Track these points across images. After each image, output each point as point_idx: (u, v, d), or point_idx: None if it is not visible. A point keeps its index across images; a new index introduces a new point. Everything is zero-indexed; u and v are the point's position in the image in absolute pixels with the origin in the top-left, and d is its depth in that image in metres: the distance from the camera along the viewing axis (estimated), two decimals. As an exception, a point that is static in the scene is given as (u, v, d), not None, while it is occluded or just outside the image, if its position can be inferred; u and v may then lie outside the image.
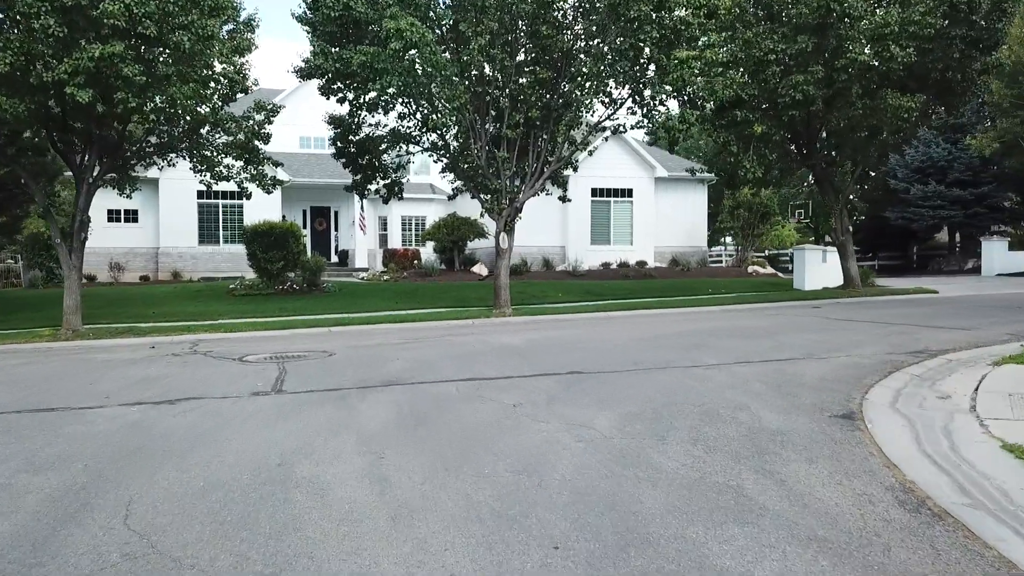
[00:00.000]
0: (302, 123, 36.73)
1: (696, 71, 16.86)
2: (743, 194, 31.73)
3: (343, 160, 23.31)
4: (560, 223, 32.32)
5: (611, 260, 32.02)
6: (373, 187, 23.96)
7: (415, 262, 32.87)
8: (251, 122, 21.43)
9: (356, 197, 35.48)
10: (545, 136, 19.99)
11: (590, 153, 20.86)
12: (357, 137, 22.80)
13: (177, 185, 32.46)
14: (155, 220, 33.35)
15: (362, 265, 35.34)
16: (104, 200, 33.38)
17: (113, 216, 33.51)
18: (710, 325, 15.79)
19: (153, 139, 20.53)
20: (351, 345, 14.39)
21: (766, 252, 45.60)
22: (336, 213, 37.61)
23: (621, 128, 19.74)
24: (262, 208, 33.42)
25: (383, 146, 22.71)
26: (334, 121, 22.64)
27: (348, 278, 32.99)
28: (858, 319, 16.20)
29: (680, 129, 18.02)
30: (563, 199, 23.24)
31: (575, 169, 23.15)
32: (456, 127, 20.56)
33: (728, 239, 40.29)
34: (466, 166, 20.99)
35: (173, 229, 33.07)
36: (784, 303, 21.13)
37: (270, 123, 22.03)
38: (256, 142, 21.77)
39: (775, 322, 16.05)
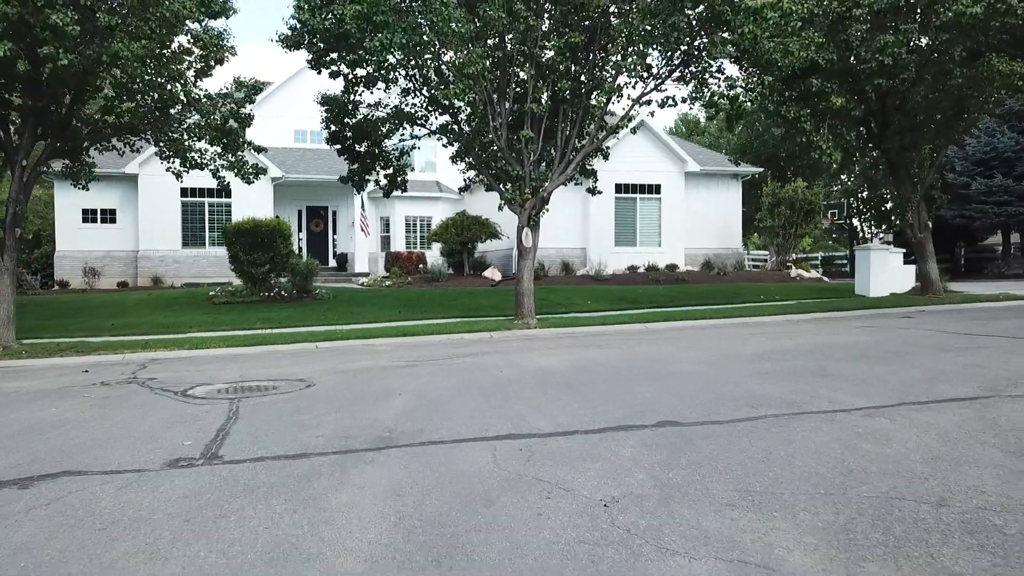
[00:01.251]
0: (297, 116, 33.33)
1: (769, 25, 13.40)
2: (785, 190, 28.24)
3: (337, 147, 19.86)
4: (580, 223, 28.85)
5: (638, 263, 28.53)
6: (372, 179, 20.52)
7: (420, 266, 29.42)
8: (229, 101, 18.00)
9: (356, 196, 32.09)
10: (579, 110, 16.54)
11: (618, 129, 17.33)
12: (354, 120, 19.38)
13: (158, 182, 29.01)
14: (134, 221, 29.92)
15: (362, 269, 31.91)
16: (78, 198, 30.00)
17: (88, 216, 30.10)
18: (799, 342, 12.28)
19: (111, 118, 17.08)
20: (339, 369, 10.90)
21: (793, 255, 42.12)
22: (334, 213, 34.21)
23: (670, 101, 16.27)
24: (252, 207, 29.98)
25: (384, 129, 19.27)
26: (327, 102, 19.18)
27: (347, 283, 29.52)
28: (979, 332, 12.68)
29: (744, 103, 14.56)
30: (592, 191, 19.78)
31: (605, 157, 19.69)
32: (470, 102, 17.13)
33: (756, 240, 36.84)
34: (482, 152, 17.53)
35: (154, 230, 29.64)
36: (860, 312, 17.60)
37: (251, 102, 18.59)
38: (235, 124, 18.33)
39: (881, 337, 12.52)
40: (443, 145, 19.22)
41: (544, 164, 17.58)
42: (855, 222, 40.13)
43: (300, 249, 33.64)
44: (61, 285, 29.00)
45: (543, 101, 15.76)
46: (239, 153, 18.45)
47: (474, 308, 19.87)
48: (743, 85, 14.33)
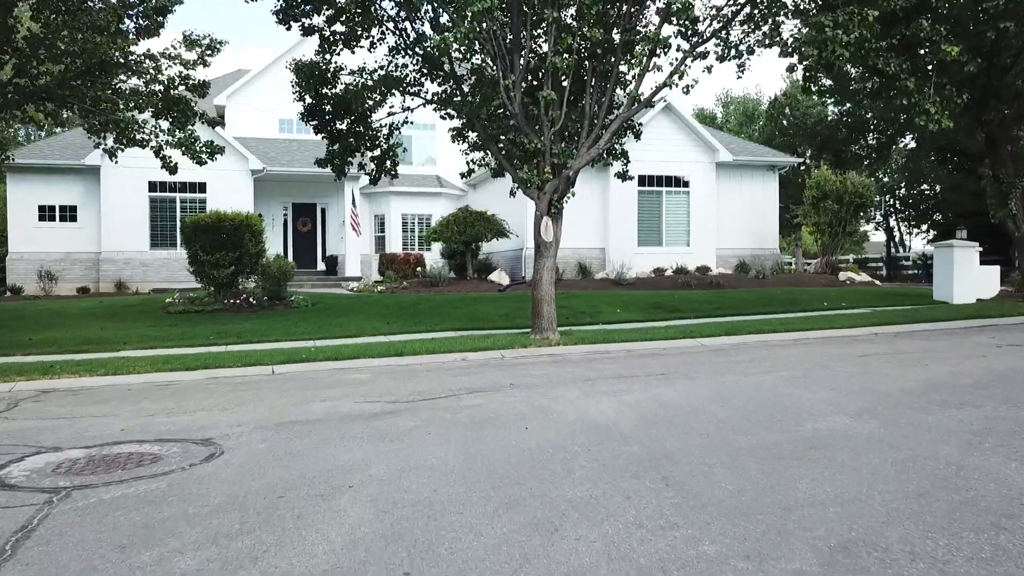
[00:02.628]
0: (281, 104, 29.40)
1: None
2: (832, 181, 24.41)
3: (314, 123, 16.06)
4: (599, 219, 25.04)
5: (664, 265, 24.71)
6: (356, 162, 16.74)
7: (418, 269, 25.62)
8: (176, 63, 14.25)
9: (347, 191, 28.34)
10: (613, 67, 12.76)
11: (652, 102, 13.56)
12: (333, 90, 15.62)
13: (124, 175, 25.31)
14: (97, 219, 26.13)
15: (353, 273, 28.14)
16: (35, 193, 26.25)
17: (46, 214, 26.31)
18: (949, 369, 8.46)
19: (23, 81, 13.33)
20: (279, 419, 7.08)
21: (844, 256, 38.30)
22: (324, 211, 30.43)
23: (732, 53, 12.44)
24: (230, 204, 26.08)
25: (370, 101, 15.50)
26: (300, 71, 15.36)
27: (335, 288, 25.72)
28: None
29: (838, 51, 10.78)
30: (622, 176, 15.92)
31: (637, 136, 15.91)
32: (474, 62, 13.37)
33: (789, 239, 33.00)
34: (489, 123, 13.73)
35: (118, 230, 25.84)
36: (965, 323, 13.79)
37: (205, 64, 14.83)
38: (183, 92, 14.58)
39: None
40: (441, 117, 15.39)
41: (565, 139, 13.79)
42: (891, 221, 36.32)
43: (286, 250, 29.85)
44: (13, 291, 25.19)
45: (568, 54, 11.96)
46: (189, 128, 14.70)
47: (480, 318, 16.06)
48: (833, 23, 10.49)
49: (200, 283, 18.44)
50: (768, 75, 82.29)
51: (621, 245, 24.78)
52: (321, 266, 29.92)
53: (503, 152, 14.09)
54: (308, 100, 15.79)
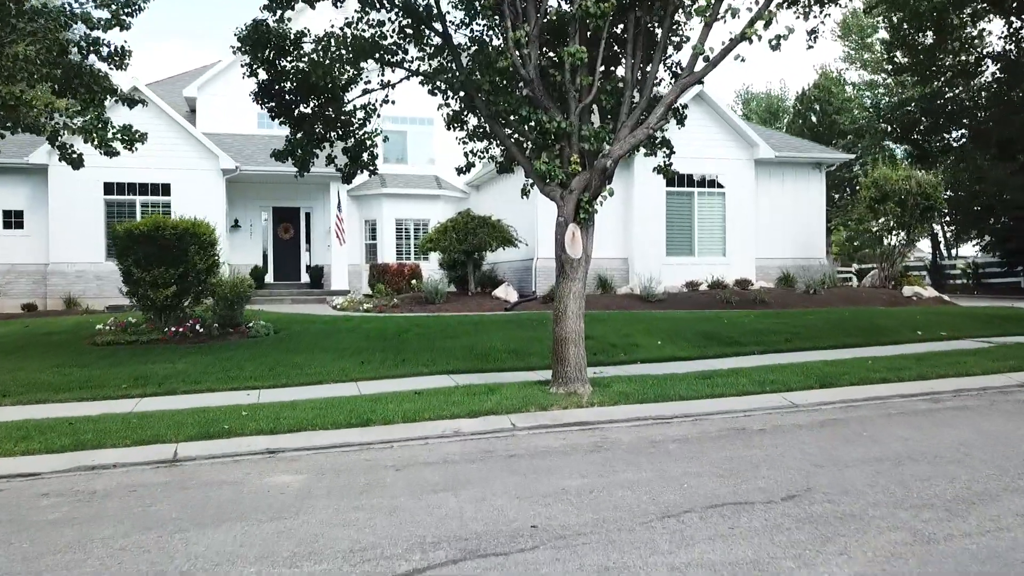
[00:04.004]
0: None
1: None
2: (895, 180, 20.54)
3: (270, 105, 12.30)
4: (620, 225, 21.23)
5: (697, 278, 20.90)
6: (325, 154, 12.97)
7: (413, 281, 21.84)
8: (78, 20, 10.54)
9: (332, 193, 24.57)
10: (669, 13, 8.98)
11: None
12: (293, 63, 11.88)
13: (75, 176, 21.22)
14: (45, 225, 22.38)
15: (340, 286, 24.38)
16: (-26, 197, 22.58)
17: (-12, 220, 22.62)
18: None
19: None
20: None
21: (854, 266, 34.41)
22: (308, 216, 26.67)
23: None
24: (199, 208, 22.32)
25: (342, 78, 11.78)
26: (248, 39, 11.57)
27: (318, 305, 21.98)
28: None
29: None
30: (664, 171, 12.00)
31: (680, 120, 12.05)
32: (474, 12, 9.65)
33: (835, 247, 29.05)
34: (495, 96, 9.91)
35: (68, 238, 22.08)
36: None
37: (123, 26, 11.11)
38: (92, 60, 10.85)
39: None
40: (429, 92, 11.57)
41: (596, 117, 10.01)
42: (934, 226, 32.44)
43: (265, 260, 26.08)
44: (-52, 309, 21.46)
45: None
46: (97, 108, 10.95)
47: (482, 354, 12.23)
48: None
49: (135, 304, 14.67)
50: (795, 69, 78.38)
51: (647, 255, 20.96)
52: (305, 278, 26.16)
53: (513, 137, 10.30)
54: (262, 76, 12.08)
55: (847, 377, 9.82)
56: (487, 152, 12.75)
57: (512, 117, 9.82)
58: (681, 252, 21.55)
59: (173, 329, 13.89)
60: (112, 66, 11.51)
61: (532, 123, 9.11)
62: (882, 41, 28.40)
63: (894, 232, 20.84)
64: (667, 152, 11.90)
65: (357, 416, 8.25)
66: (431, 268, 24.43)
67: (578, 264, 9.25)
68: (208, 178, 22.70)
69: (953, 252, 36.49)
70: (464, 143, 12.50)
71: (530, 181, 10.48)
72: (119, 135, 11.36)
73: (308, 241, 26.53)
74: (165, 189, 22.55)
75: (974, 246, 31.42)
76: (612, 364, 11.59)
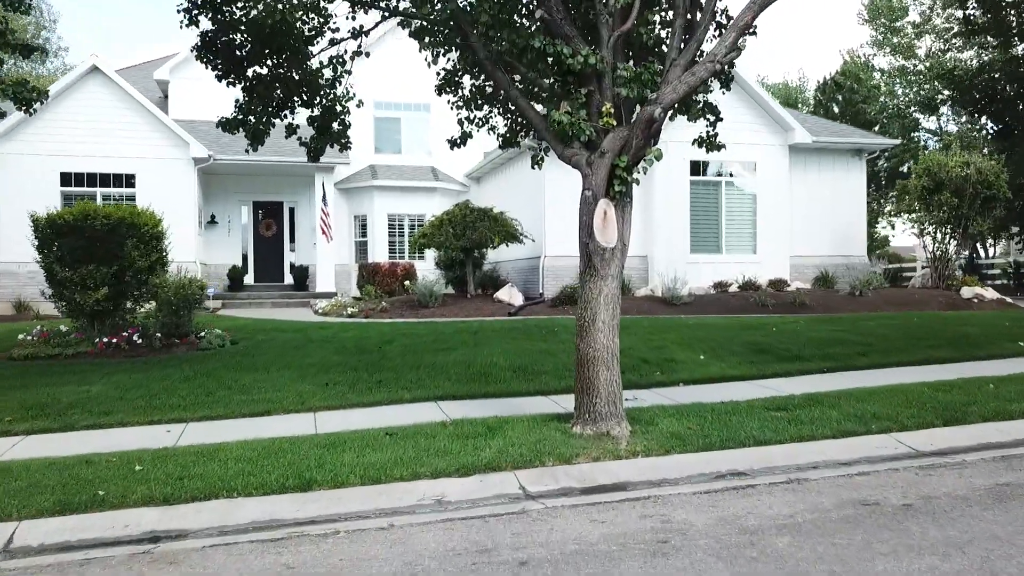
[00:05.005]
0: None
1: None
2: (951, 167, 17.85)
3: (217, 65, 9.66)
4: (639, 218, 18.43)
5: (727, 277, 18.24)
6: (287, 121, 10.31)
7: (406, 283, 19.18)
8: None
9: (317, 185, 21.93)
10: None
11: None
12: (243, 9, 9.30)
13: (26, 164, 19.10)
14: (-5, 220, 19.80)
15: (326, 288, 21.75)
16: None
17: (-66, 214, 19.99)
18: None
19: None
20: None
21: (880, 265, 31.65)
22: (292, 211, 24.03)
23: None
24: (168, 200, 19.78)
25: (304, 28, 9.24)
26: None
27: (301, 308, 19.36)
28: None
29: None
30: (710, 143, 9.33)
31: (726, 83, 9.34)
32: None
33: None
34: (497, 30, 7.24)
35: (18, 235, 19.35)
36: None
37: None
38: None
39: None
40: (411, 34, 8.93)
41: (634, 57, 7.35)
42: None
43: (245, 259, 23.43)
44: None
45: None
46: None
47: (480, 371, 9.55)
48: None
49: (62, 309, 12.03)
50: (814, 59, 75.34)
51: (670, 252, 18.29)
52: (289, 279, 23.49)
53: (521, 84, 7.66)
54: (205, 26, 9.48)
55: (975, 408, 7.15)
56: (487, 121, 10.13)
57: (522, 58, 7.14)
58: (707, 249, 18.87)
59: (105, 340, 11.24)
60: (8, 6, 8.89)
61: (549, 59, 6.46)
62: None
63: (948, 225, 18.12)
64: (711, 120, 9.29)
65: (296, 474, 5.62)
66: (427, 268, 21.79)
67: (611, 256, 6.59)
68: (177, 168, 20.07)
69: (990, 251, 33.70)
70: (458, 109, 9.88)
71: (542, 146, 7.87)
72: (22, 93, 8.71)
73: (292, 239, 23.86)
74: (129, 180, 19.92)
75: (1017, 245, 28.60)
76: (648, 386, 8.94)
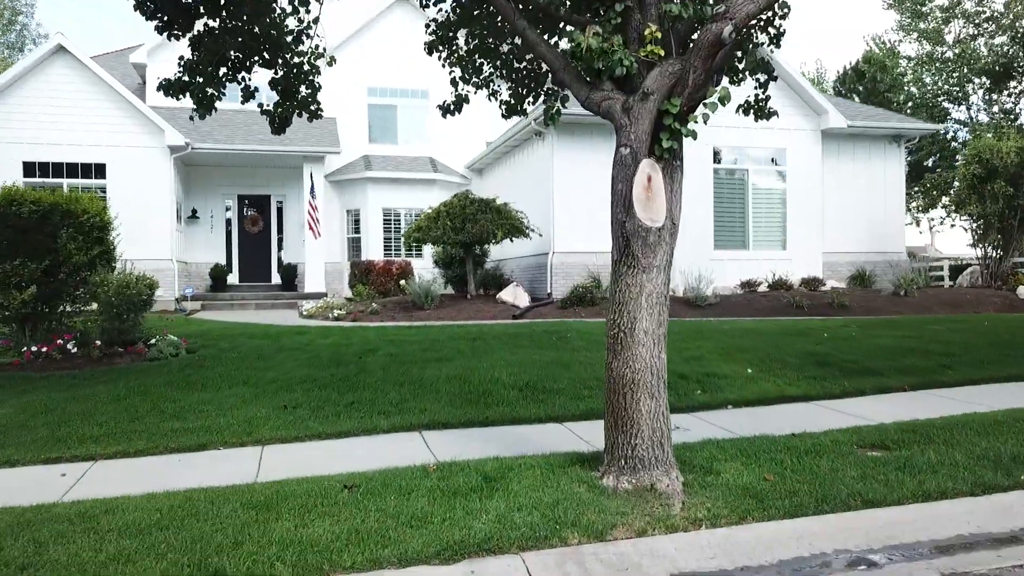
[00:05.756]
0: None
1: None
2: (1004, 152, 15.91)
3: (159, 17, 7.78)
4: (657, 211, 16.62)
5: (755, 276, 16.34)
6: (244, 84, 8.41)
7: (402, 282, 17.27)
8: None
9: (305, 176, 20.05)
10: None
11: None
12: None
13: None
14: (-46, 214, 17.91)
15: (316, 288, 19.88)
16: None
17: None
18: None
19: None
20: None
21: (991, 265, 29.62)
22: (280, 205, 22.17)
23: None
24: (142, 193, 18.06)
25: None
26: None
27: (285, 312, 17.51)
28: None
29: None
30: (759, 110, 7.45)
31: (776, 39, 7.43)
32: None
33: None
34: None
35: (-21, 229, 17.59)
36: None
37: None
38: None
39: None
40: None
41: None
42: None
43: (229, 257, 21.55)
44: None
45: None
46: None
47: (478, 390, 7.62)
48: None
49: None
50: (833, 48, 73.20)
51: (692, 249, 16.35)
52: (277, 279, 21.61)
53: (529, 7, 5.80)
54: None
55: None
56: (487, 84, 8.30)
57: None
58: (732, 245, 16.95)
59: (34, 349, 9.36)
60: None
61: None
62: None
63: (1001, 219, 16.14)
64: (761, 79, 7.37)
65: (198, 563, 3.73)
66: (425, 266, 19.93)
67: (657, 240, 4.70)
68: (151, 157, 18.19)
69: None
70: (452, 67, 8.03)
71: (559, 97, 6.01)
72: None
73: (281, 235, 21.98)
74: (99, 170, 18.05)
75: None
76: (689, 409, 7.03)
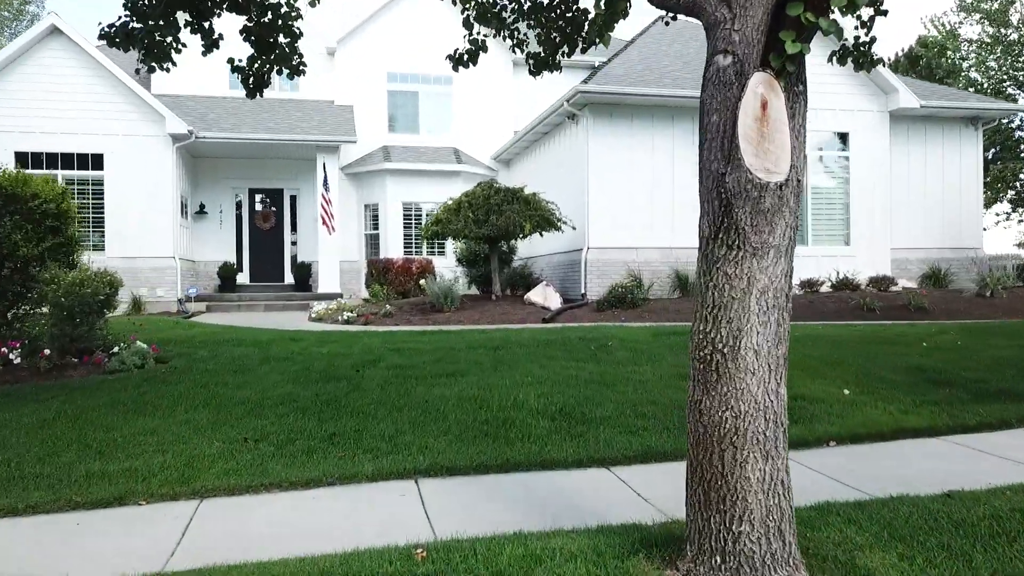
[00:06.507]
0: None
1: None
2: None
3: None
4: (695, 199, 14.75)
5: (814, 275, 14.41)
6: (211, 36, 6.72)
7: (422, 282, 15.56)
8: None
9: (318, 167, 18.45)
10: None
11: None
12: None
13: None
14: (-57, 209, 16.54)
15: (331, 288, 18.27)
16: None
17: None
18: None
19: None
20: None
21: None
22: (293, 200, 20.59)
23: None
24: (142, 185, 16.56)
25: None
26: None
27: (295, 314, 15.89)
28: None
29: None
30: (859, 55, 5.69)
31: None
32: None
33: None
34: None
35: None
36: None
37: None
38: None
39: None
40: None
41: None
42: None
43: (239, 256, 20.02)
44: None
45: None
46: None
47: (498, 420, 5.85)
48: None
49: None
50: (885, 31, 69.99)
51: (743, 243, 14.46)
52: (290, 278, 20.03)
53: None
54: None
55: None
56: (508, 28, 6.60)
57: None
58: (789, 239, 15.00)
59: (-29, 359, 7.78)
60: None
61: None
62: None
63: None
64: (865, 15, 5.48)
65: None
66: (447, 265, 18.26)
67: (778, 203, 2.90)
68: (152, 147, 16.68)
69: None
70: (465, 5, 6.31)
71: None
72: None
73: (295, 231, 20.39)
74: (96, 161, 16.57)
75: None
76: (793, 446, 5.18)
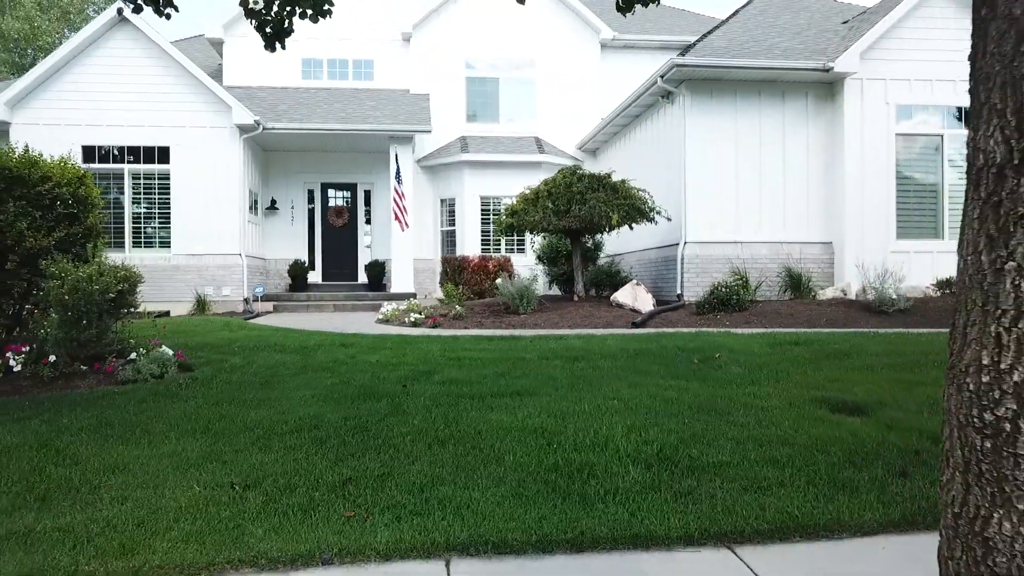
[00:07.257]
0: (309, 36, 18.43)
1: None
2: None
3: None
4: (819, 189, 12.77)
5: (949, 272, 12.24)
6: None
7: (499, 281, 14.12)
8: None
9: (391, 159, 17.25)
10: None
11: None
12: None
13: (44, 135, 15.14)
14: (14, 205, 16.09)
15: (404, 287, 17.04)
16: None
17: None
18: None
19: None
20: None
21: None
22: (367, 195, 19.47)
23: None
24: (207, 178, 15.72)
25: None
26: None
27: (364, 315, 14.70)
28: None
29: None
30: None
31: None
32: None
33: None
34: None
35: (36, 221, 15.65)
36: None
37: None
38: None
39: None
40: None
41: None
42: None
43: (312, 253, 19.05)
44: None
45: None
46: None
47: (571, 469, 4.30)
48: None
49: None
50: None
51: (866, 238, 12.42)
52: (363, 277, 18.90)
53: None
54: None
55: None
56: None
57: None
58: (921, 234, 12.82)
59: (-29, 366, 6.72)
60: None
61: None
62: None
63: None
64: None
65: None
66: (526, 263, 16.78)
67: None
68: (218, 138, 15.80)
69: None
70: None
71: None
72: None
73: (369, 226, 19.25)
74: (163, 154, 15.80)
75: None
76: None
